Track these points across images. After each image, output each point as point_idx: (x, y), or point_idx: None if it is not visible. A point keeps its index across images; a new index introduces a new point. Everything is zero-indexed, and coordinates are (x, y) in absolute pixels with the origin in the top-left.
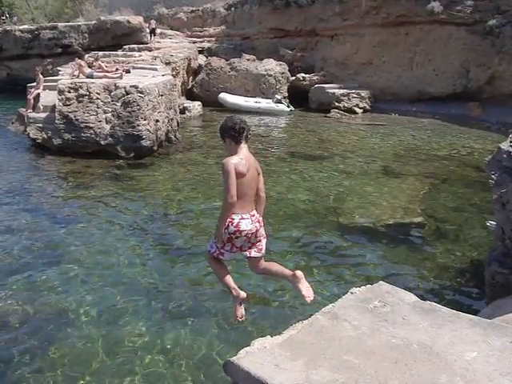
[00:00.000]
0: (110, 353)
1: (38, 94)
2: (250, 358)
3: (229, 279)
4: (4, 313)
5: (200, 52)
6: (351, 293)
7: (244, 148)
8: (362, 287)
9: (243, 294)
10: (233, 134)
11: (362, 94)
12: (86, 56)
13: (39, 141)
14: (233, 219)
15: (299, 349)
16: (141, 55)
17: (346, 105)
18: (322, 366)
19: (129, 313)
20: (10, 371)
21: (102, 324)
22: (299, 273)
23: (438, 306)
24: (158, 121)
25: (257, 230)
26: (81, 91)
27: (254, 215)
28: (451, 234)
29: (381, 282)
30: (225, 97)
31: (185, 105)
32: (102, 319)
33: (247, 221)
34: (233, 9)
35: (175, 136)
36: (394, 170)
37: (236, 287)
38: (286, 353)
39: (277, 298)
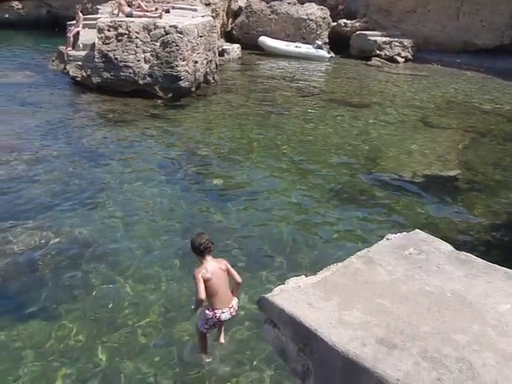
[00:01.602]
0: (136, 282)
1: (78, 32)
2: (284, 295)
3: (206, 346)
4: (40, 243)
5: None
6: (387, 239)
7: (209, 260)
8: (398, 234)
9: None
10: (198, 253)
11: (405, 43)
12: None
13: (78, 79)
14: (215, 313)
15: (333, 290)
16: None
17: (387, 53)
18: (355, 308)
19: (159, 249)
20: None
21: (134, 257)
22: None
23: (474, 257)
24: (196, 62)
25: (232, 316)
26: (120, 30)
27: (231, 306)
28: (488, 189)
29: (417, 229)
30: (265, 40)
31: (224, 47)
32: (136, 253)
33: (226, 313)
34: None
35: (213, 78)
36: (434, 122)
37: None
38: (319, 293)
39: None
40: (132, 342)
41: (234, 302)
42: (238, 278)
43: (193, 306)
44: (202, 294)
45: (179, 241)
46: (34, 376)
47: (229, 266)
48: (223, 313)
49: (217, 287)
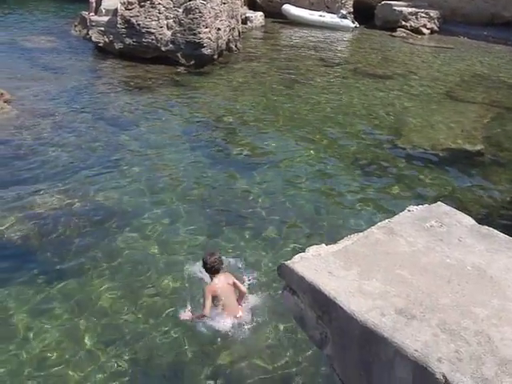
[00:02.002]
0: (161, 247)
1: None
2: (304, 263)
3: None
4: (66, 207)
5: None
6: (408, 210)
7: (218, 276)
8: (420, 206)
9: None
10: (208, 271)
11: (431, 14)
12: None
13: (101, 44)
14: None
15: (353, 259)
16: None
17: (412, 24)
18: (375, 278)
19: (184, 215)
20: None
21: (159, 222)
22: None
23: (496, 231)
24: (219, 29)
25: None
26: None
27: (239, 316)
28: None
29: (439, 202)
30: (288, 9)
31: (247, 15)
32: (161, 218)
33: (235, 322)
34: None
35: (236, 46)
36: (458, 96)
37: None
38: (339, 262)
39: None
40: (157, 306)
41: (240, 312)
42: (244, 290)
43: (187, 311)
44: (207, 311)
45: (204, 207)
46: (63, 333)
47: (234, 280)
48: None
49: (225, 300)
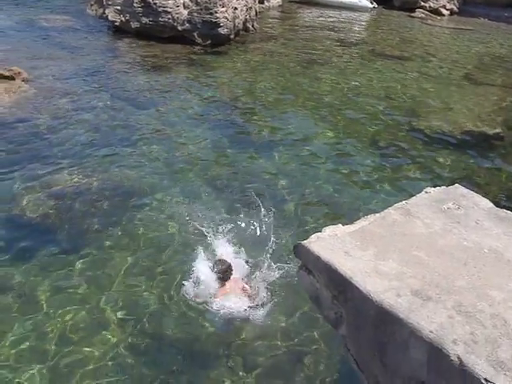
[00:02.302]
0: (182, 226)
1: None
2: (320, 243)
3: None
4: (83, 184)
5: None
6: (425, 192)
7: (227, 282)
8: (437, 188)
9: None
10: (219, 278)
11: None
12: None
13: (117, 24)
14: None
15: (370, 239)
16: None
17: (432, 5)
18: (391, 259)
19: (202, 195)
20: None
21: (178, 201)
22: None
23: None
24: (236, 9)
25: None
26: None
27: (253, 295)
28: None
29: (457, 184)
30: None
31: None
32: (180, 197)
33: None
34: None
35: (253, 26)
36: (477, 78)
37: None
38: (356, 242)
39: None
40: (174, 284)
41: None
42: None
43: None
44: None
45: (222, 186)
46: (83, 309)
47: (244, 285)
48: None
49: None
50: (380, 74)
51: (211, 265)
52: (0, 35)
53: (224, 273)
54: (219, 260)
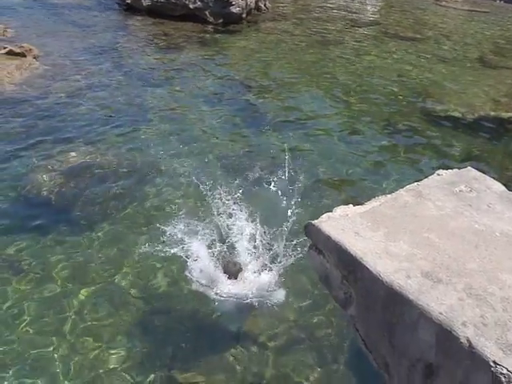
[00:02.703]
0: (194, 205)
1: None
2: (331, 222)
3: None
4: (96, 161)
5: None
6: (437, 174)
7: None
8: (449, 170)
9: None
10: (228, 277)
11: None
12: None
13: (128, 1)
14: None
15: (380, 221)
16: None
17: None
18: (402, 240)
19: (217, 172)
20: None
21: (190, 180)
22: None
23: None
24: None
25: None
26: None
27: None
28: None
29: (469, 167)
30: None
31: None
32: (193, 175)
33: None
34: None
35: (265, 5)
36: (492, 62)
37: None
38: (367, 222)
39: None
40: (187, 261)
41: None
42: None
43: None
44: None
45: (235, 165)
46: (99, 286)
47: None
48: None
49: None
50: (393, 55)
51: (222, 262)
52: (11, 12)
53: (235, 274)
54: (230, 262)
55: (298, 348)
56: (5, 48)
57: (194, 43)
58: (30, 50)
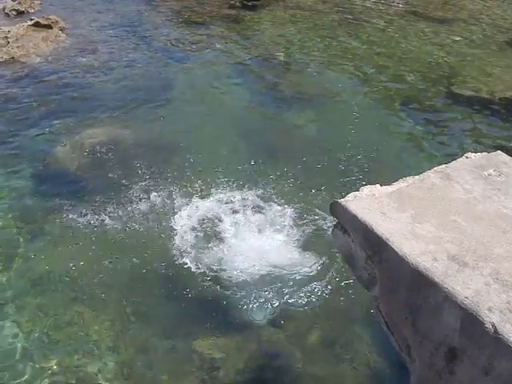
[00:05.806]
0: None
1: None
2: (358, 202)
3: None
4: (117, 138)
5: None
6: (466, 157)
7: None
8: (478, 153)
9: None
10: None
11: None
12: None
13: None
14: None
15: (407, 202)
16: None
17: None
18: (429, 222)
19: (235, 149)
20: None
21: (204, 157)
22: None
23: None
24: None
25: None
26: None
27: None
28: None
29: (498, 151)
30: None
31: None
32: (209, 153)
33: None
34: None
35: None
36: None
37: None
38: (393, 203)
39: None
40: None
41: None
42: None
43: None
44: None
45: (255, 142)
46: (114, 265)
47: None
48: None
49: None
50: (420, 35)
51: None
52: None
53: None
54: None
55: (318, 329)
56: (32, 20)
57: (219, 18)
58: (57, 21)
